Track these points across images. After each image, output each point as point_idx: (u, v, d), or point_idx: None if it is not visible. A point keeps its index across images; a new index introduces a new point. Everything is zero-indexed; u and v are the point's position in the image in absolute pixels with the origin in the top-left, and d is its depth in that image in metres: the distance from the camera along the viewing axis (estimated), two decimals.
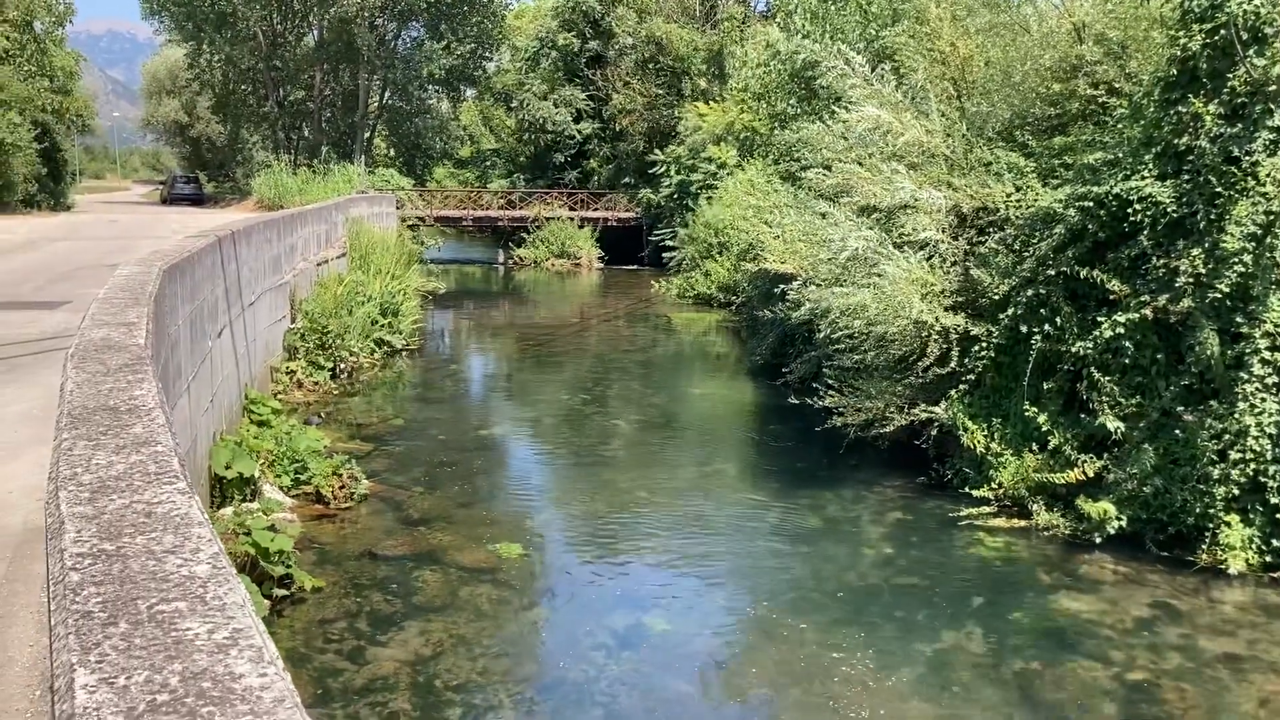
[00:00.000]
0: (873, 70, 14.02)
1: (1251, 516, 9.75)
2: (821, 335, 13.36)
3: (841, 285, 12.00)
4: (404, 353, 21.26)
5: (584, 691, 7.52)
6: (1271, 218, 9.58)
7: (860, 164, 13.09)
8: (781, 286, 14.01)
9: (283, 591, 8.71)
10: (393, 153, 51.77)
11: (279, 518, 9.93)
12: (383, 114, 48.46)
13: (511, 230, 46.36)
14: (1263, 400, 9.61)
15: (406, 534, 10.62)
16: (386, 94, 47.73)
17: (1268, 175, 9.64)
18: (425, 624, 8.47)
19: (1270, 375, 9.63)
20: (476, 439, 15.13)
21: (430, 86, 47.95)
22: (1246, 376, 9.68)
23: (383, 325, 20.78)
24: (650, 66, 46.55)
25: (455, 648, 8.07)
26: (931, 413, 12.03)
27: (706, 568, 10.17)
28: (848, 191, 12.93)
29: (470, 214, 45.64)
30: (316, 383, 17.10)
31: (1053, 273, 11.18)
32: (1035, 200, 11.68)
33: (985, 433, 11.69)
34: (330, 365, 17.79)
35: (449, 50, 45.85)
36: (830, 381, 13.09)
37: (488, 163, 59.17)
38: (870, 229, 12.23)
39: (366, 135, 47.41)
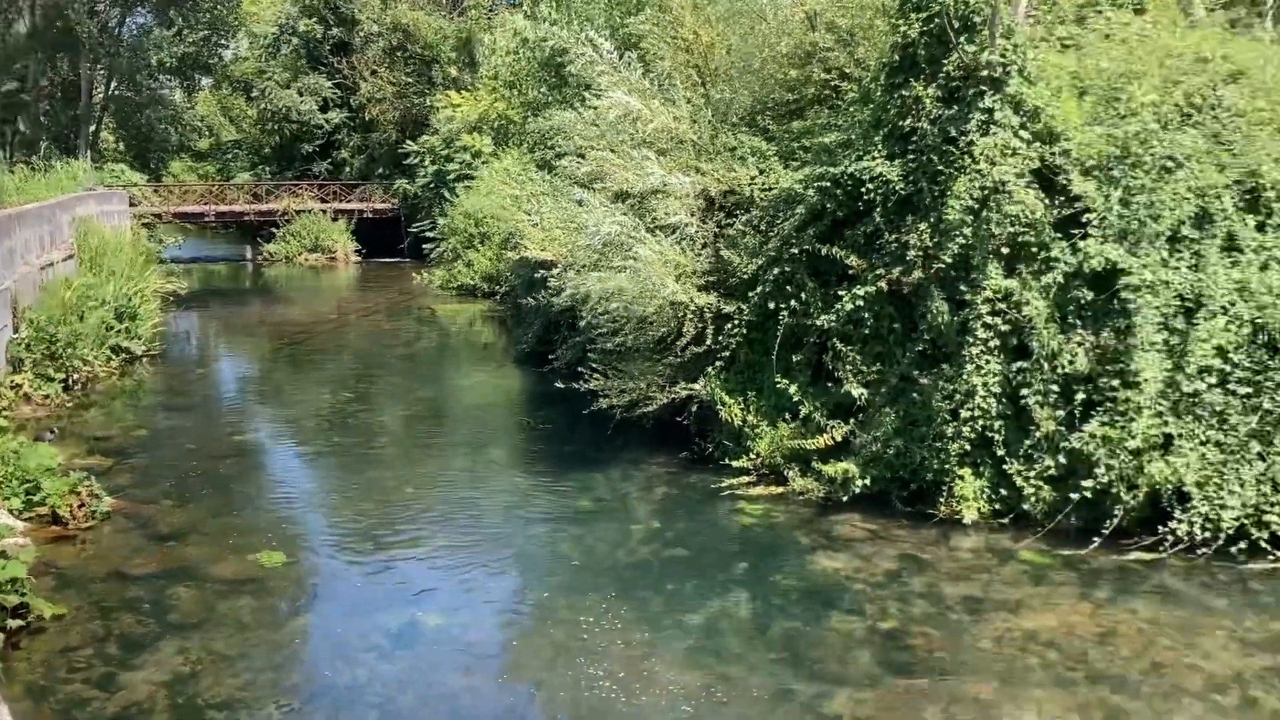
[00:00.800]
0: (620, 58, 14.23)
1: (981, 470, 10.58)
2: (584, 320, 13.52)
3: (599, 270, 12.17)
4: (145, 359, 19.94)
5: (357, 695, 7.33)
6: (986, 192, 10.40)
7: (612, 151, 13.27)
8: (542, 274, 14.07)
9: (18, 622, 8.03)
10: (123, 147, 48.38)
11: (10, 543, 9.12)
12: (109, 105, 45.14)
13: (259, 225, 44.32)
14: (987, 362, 10.42)
15: (156, 550, 10.01)
16: (113, 84, 44.46)
17: (981, 154, 10.45)
18: (182, 642, 8.02)
19: (992, 339, 10.45)
20: (231, 445, 14.41)
21: (161, 76, 45.04)
22: (972, 340, 10.47)
23: (119, 331, 19.41)
24: (398, 54, 45.57)
25: (216, 664, 7.68)
26: (691, 390, 12.40)
27: (479, 558, 10.10)
28: (602, 178, 13.08)
29: (213, 209, 43.31)
30: (47, 396, 15.81)
31: (796, 251, 11.72)
32: (777, 182, 12.21)
33: (742, 406, 12.16)
34: (62, 376, 16.47)
35: (180, 37, 43.17)
36: (594, 365, 13.27)
37: (230, 155, 56.24)
38: (624, 214, 12.44)
39: (91, 129, 43.99)
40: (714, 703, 7.23)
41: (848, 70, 13.11)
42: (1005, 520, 10.36)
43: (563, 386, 13.86)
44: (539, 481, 12.51)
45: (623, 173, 12.63)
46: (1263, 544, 9.33)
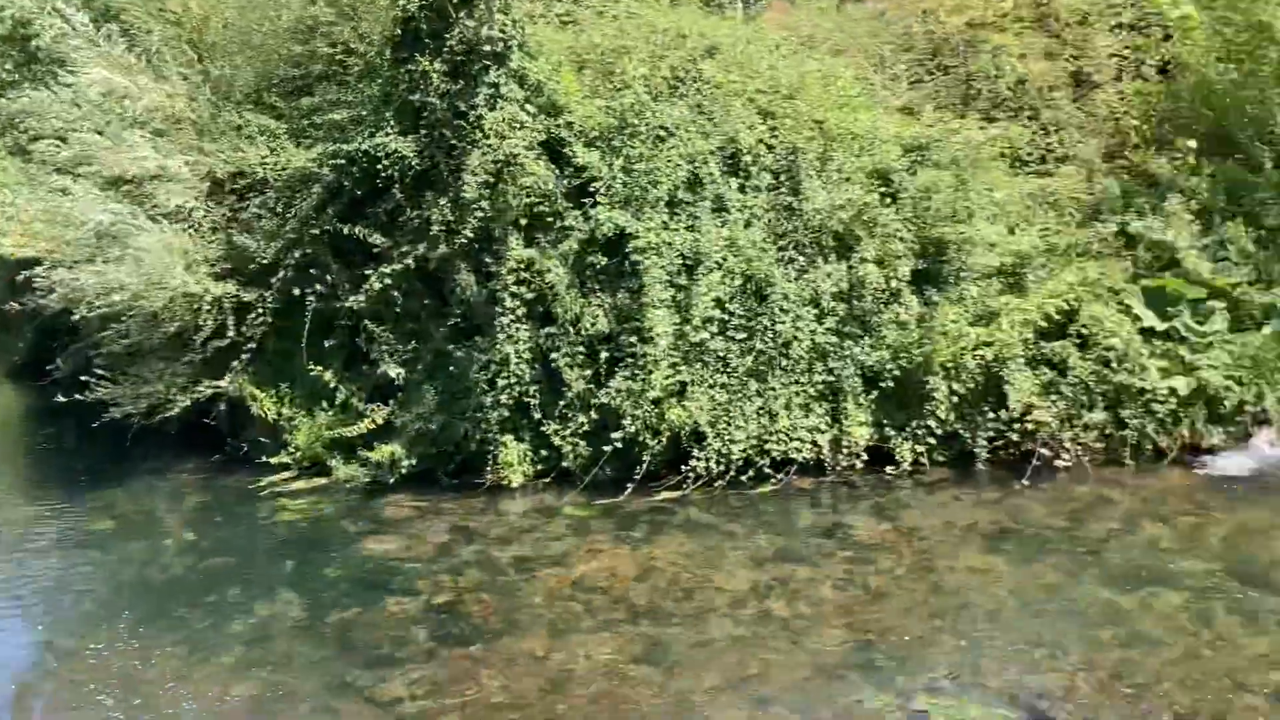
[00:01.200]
0: (98, 30, 12.83)
1: (522, 434, 10.88)
2: (84, 321, 12.15)
3: (95, 264, 10.97)
4: None
5: None
6: (499, 166, 10.63)
7: (100, 133, 11.98)
8: (27, 274, 12.43)
9: None
10: None
11: None
12: None
13: None
14: (517, 330, 10.72)
15: None
16: None
17: (491, 128, 10.66)
18: None
19: (520, 307, 10.75)
20: None
21: None
22: (501, 310, 10.71)
23: None
24: None
25: None
26: (217, 387, 11.59)
27: None
28: (89, 162, 11.78)
29: None
30: None
31: (317, 232, 11.31)
32: (290, 162, 11.67)
33: (275, 399, 11.59)
34: None
35: None
36: (102, 372, 11.99)
37: None
38: (120, 202, 11.31)
39: None
40: (265, 711, 6.84)
41: (353, 45, 12.76)
42: (548, 479, 10.77)
43: (66, 399, 12.33)
44: (45, 507, 11.16)
45: (113, 156, 11.46)
46: (766, 469, 10.46)
